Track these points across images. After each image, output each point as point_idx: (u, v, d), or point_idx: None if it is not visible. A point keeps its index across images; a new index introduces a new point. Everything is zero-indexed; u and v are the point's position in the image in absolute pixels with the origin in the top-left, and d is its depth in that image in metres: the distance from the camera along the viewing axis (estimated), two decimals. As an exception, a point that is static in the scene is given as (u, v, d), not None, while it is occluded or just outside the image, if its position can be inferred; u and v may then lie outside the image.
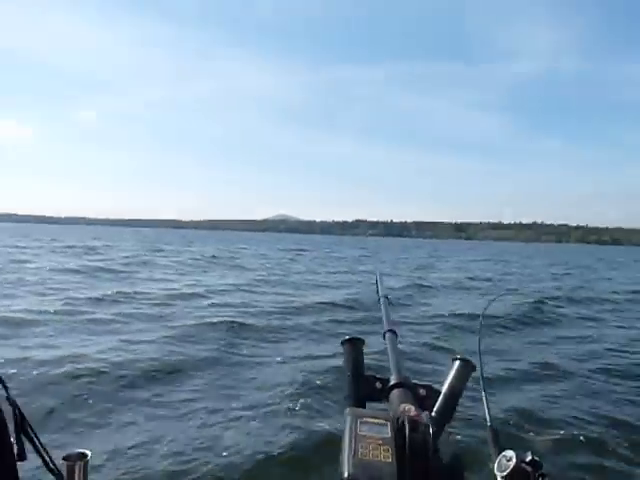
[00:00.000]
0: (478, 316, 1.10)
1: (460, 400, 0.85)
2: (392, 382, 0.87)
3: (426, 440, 0.67)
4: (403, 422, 0.69)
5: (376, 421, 0.71)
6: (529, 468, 0.76)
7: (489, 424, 0.92)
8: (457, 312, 12.44)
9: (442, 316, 12.18)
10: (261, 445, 4.58)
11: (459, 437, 4.34)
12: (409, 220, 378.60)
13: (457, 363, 0.87)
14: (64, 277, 17.63)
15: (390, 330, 1.03)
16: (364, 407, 0.86)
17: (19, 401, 1.02)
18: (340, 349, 0.93)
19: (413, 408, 0.75)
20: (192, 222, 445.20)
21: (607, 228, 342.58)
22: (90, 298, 12.82)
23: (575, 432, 5.15)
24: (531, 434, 5.10)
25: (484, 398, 0.96)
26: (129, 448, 4.51)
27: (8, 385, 1.03)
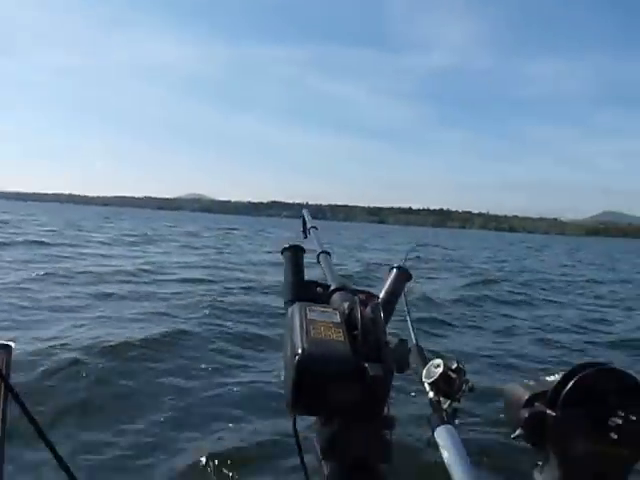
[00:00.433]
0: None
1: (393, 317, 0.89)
2: (333, 287, 0.87)
3: (378, 315, 0.66)
4: (354, 302, 0.69)
5: (325, 309, 0.71)
6: (454, 375, 0.79)
7: (414, 342, 0.93)
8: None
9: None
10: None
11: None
12: (324, 203, 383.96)
13: (394, 271, 0.95)
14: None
15: (323, 251, 1.06)
16: None
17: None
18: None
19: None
20: (99, 198, 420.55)
21: (505, 216, 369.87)
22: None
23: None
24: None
25: (408, 319, 0.99)
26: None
27: None
